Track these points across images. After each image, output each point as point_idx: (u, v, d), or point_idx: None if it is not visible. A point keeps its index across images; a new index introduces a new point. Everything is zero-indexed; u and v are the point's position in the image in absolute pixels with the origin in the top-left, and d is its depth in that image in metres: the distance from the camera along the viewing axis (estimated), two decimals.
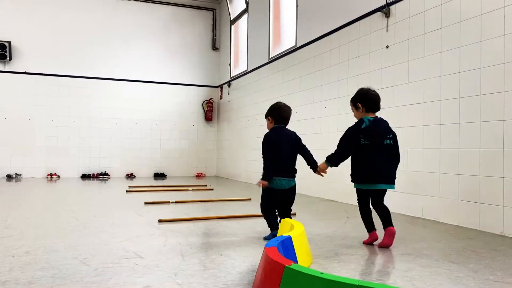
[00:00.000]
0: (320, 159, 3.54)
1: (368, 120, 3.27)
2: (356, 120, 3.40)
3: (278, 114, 3.49)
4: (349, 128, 3.34)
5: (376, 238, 3.28)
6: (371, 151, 3.22)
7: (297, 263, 2.34)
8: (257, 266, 2.53)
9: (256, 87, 9.04)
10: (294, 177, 3.43)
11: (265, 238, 3.42)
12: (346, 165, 3.50)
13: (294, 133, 3.53)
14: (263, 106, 8.56)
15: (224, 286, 2.23)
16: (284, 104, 3.58)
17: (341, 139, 3.35)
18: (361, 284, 1.57)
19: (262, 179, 3.35)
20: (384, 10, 5.16)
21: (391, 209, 4.94)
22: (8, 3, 9.77)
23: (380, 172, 3.22)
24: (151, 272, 2.46)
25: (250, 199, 5.94)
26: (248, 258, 2.82)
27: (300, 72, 7.15)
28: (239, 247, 3.16)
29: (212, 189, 7.54)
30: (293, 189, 3.43)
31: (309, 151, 3.51)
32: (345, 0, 6.05)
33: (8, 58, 9.57)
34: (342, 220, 4.37)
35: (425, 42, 4.58)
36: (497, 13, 3.80)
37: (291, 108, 3.61)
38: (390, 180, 3.27)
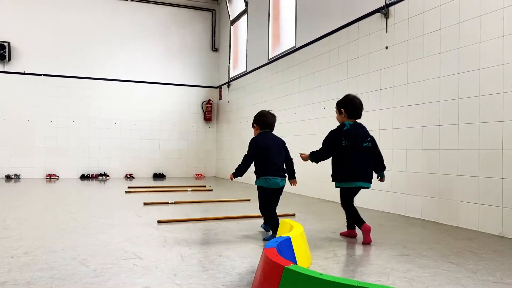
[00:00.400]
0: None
1: (349, 124, 3.55)
2: (338, 123, 3.67)
3: (263, 120, 3.70)
4: (332, 131, 3.60)
5: (369, 229, 3.37)
6: (351, 152, 3.48)
7: (296, 264, 2.34)
8: (256, 267, 2.53)
9: (255, 87, 9.04)
10: (285, 177, 3.60)
11: (265, 239, 3.45)
12: None
13: (281, 139, 3.72)
14: (262, 107, 8.55)
15: (223, 287, 2.23)
16: (268, 111, 3.78)
17: (324, 140, 3.60)
18: (360, 285, 1.57)
19: (233, 173, 3.53)
20: (384, 11, 5.16)
21: (390, 210, 4.97)
22: (7, 3, 9.77)
23: (360, 171, 3.47)
24: (150, 273, 2.45)
25: (249, 200, 5.94)
26: (247, 259, 2.82)
27: (299, 73, 7.16)
28: (238, 248, 3.16)
29: (211, 190, 7.54)
30: (282, 188, 3.61)
31: (291, 158, 3.73)
32: (344, 1, 6.05)
33: (7, 59, 9.57)
34: (341, 221, 4.36)
35: (424, 43, 4.59)
36: (496, 14, 3.81)
37: (276, 116, 3.80)
38: (368, 179, 3.51)
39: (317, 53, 6.65)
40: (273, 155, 3.53)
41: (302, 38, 7.15)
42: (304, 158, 3.65)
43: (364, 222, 3.40)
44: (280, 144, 3.64)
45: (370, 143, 3.56)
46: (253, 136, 3.71)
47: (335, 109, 3.72)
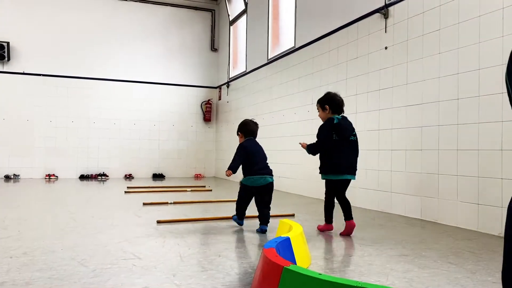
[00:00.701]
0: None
1: (338, 118, 3.73)
2: (321, 120, 3.90)
3: (246, 129, 4.07)
4: (323, 126, 3.78)
5: (331, 229, 3.79)
6: (339, 145, 3.67)
7: (296, 264, 2.34)
8: (255, 267, 2.53)
9: (254, 88, 9.04)
10: (271, 174, 3.92)
11: (234, 219, 4.02)
12: None
13: (262, 147, 4.09)
14: (262, 107, 8.56)
15: (223, 287, 2.22)
16: (251, 120, 4.16)
17: (318, 135, 3.78)
18: (359, 285, 1.56)
19: (229, 169, 3.86)
20: (383, 11, 5.16)
21: (389, 210, 4.97)
22: (7, 3, 9.76)
23: (348, 164, 3.69)
24: (149, 273, 2.45)
25: None
26: (246, 259, 2.81)
27: (299, 73, 7.16)
28: (237, 248, 3.16)
29: (210, 190, 7.53)
30: (270, 184, 3.91)
31: None
32: (344, 1, 6.05)
33: (6, 59, 9.56)
34: (340, 221, 4.36)
35: (424, 43, 4.59)
36: (496, 14, 3.81)
37: (258, 124, 4.17)
38: (354, 171, 3.75)
39: (316, 53, 6.65)
40: (259, 159, 3.91)
41: (301, 38, 7.15)
42: (303, 146, 3.90)
43: (332, 223, 3.79)
44: (263, 151, 4.03)
45: (355, 137, 3.78)
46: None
47: (317, 107, 3.93)
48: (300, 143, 3.95)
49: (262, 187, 3.85)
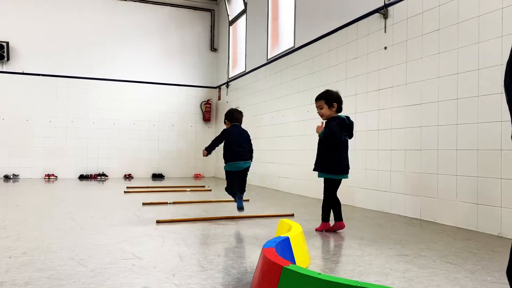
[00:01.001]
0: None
1: (347, 118, 3.79)
2: (319, 116, 3.94)
3: (231, 116, 4.61)
4: (336, 122, 3.74)
5: (329, 227, 3.79)
6: (340, 145, 3.74)
7: (295, 264, 2.34)
8: (255, 267, 2.53)
9: (254, 88, 9.04)
10: (248, 160, 4.45)
11: (237, 203, 4.42)
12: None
13: (247, 132, 4.60)
14: (261, 107, 8.56)
15: (222, 287, 2.22)
16: (235, 109, 4.72)
17: (335, 130, 3.71)
18: (359, 285, 1.57)
19: (205, 149, 4.46)
20: (382, 11, 5.17)
21: (389, 210, 4.97)
22: (6, 3, 9.75)
23: (345, 164, 3.78)
24: (148, 273, 2.45)
25: (248, 200, 5.94)
26: (246, 259, 2.81)
27: (298, 73, 7.16)
28: (237, 248, 3.16)
29: (210, 190, 7.53)
30: (248, 168, 4.49)
31: (253, 150, 4.60)
32: (343, 1, 6.05)
33: (6, 59, 9.55)
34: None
35: (423, 43, 4.59)
36: (495, 15, 3.81)
37: (242, 112, 4.70)
38: (348, 171, 3.82)
39: (316, 53, 6.65)
40: (240, 145, 4.39)
41: (301, 38, 7.15)
42: (319, 127, 3.83)
43: (329, 221, 3.81)
44: (245, 136, 4.51)
45: (346, 137, 3.83)
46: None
47: (319, 104, 3.88)
48: (319, 125, 3.86)
49: (243, 170, 4.43)
